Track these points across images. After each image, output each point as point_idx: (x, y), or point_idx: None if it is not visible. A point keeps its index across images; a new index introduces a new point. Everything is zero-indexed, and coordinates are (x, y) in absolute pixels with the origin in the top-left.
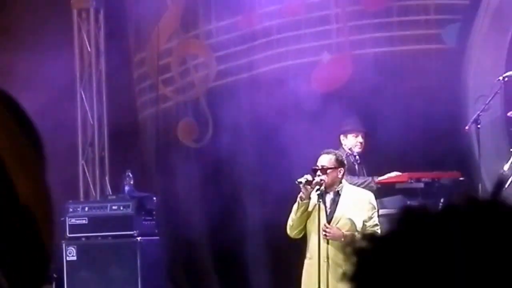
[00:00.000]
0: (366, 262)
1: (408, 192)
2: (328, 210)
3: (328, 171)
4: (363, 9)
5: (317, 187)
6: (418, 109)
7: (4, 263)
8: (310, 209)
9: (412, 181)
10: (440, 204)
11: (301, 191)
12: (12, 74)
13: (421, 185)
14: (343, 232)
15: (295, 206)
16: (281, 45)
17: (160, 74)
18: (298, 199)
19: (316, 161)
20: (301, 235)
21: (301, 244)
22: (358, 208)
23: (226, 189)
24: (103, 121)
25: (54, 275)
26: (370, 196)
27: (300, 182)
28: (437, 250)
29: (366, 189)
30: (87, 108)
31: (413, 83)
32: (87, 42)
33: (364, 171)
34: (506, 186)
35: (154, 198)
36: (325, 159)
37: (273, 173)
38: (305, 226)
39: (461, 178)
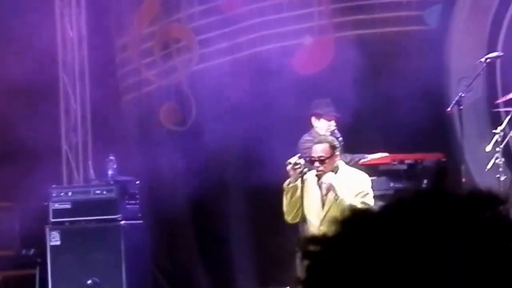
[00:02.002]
0: (315, 265)
1: (391, 174)
2: (324, 192)
3: (326, 161)
4: None
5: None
6: (400, 91)
7: None
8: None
9: (395, 162)
10: (423, 185)
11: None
12: None
13: (404, 166)
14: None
15: (284, 192)
16: (263, 28)
17: (142, 58)
18: (285, 185)
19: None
20: (297, 219)
21: (287, 227)
22: (351, 189)
23: (209, 172)
24: (86, 105)
25: (38, 260)
26: (364, 177)
27: (289, 163)
28: (381, 250)
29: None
30: (70, 93)
31: (395, 65)
32: (69, 27)
33: None
34: (488, 167)
35: (137, 182)
36: (320, 149)
37: (256, 155)
38: (299, 210)
39: (443, 160)
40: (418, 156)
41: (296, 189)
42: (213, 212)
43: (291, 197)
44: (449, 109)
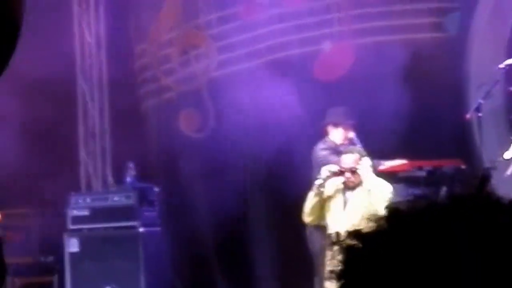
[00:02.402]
0: (354, 259)
1: (410, 181)
2: (347, 199)
3: (357, 171)
4: None
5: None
6: (420, 97)
7: None
8: (329, 193)
9: (414, 169)
10: (442, 192)
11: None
12: (12, 66)
13: (423, 173)
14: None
15: (311, 194)
16: (282, 35)
17: (161, 64)
18: (317, 182)
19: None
20: (316, 222)
21: (304, 234)
22: (373, 198)
23: (228, 179)
24: (105, 112)
25: (57, 267)
26: (388, 188)
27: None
28: (421, 247)
29: None
30: (88, 99)
31: (414, 71)
32: (87, 33)
33: None
34: (508, 173)
35: (156, 189)
36: (351, 159)
37: (275, 162)
38: (320, 214)
39: (462, 166)
40: (437, 162)
41: (323, 193)
42: (233, 218)
43: (319, 199)
44: (468, 115)
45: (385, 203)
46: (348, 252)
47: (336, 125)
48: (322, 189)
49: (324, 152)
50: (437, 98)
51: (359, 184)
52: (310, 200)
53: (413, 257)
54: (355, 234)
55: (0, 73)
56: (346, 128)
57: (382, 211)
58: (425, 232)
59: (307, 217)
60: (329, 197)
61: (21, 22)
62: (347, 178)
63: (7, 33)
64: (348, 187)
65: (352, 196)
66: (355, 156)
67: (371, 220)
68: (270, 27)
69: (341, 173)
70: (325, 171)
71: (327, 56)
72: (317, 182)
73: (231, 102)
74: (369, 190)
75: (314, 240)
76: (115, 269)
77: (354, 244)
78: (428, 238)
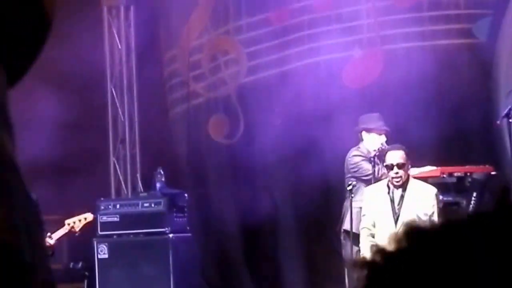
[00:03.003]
0: (376, 277)
1: (440, 187)
2: (396, 207)
3: (404, 167)
4: (393, 4)
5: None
6: (450, 103)
7: None
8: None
9: (444, 175)
10: (473, 198)
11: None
12: (44, 72)
13: (454, 179)
14: None
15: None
16: (312, 41)
17: (190, 70)
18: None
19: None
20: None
21: (333, 239)
22: (423, 203)
23: (257, 185)
24: (134, 118)
25: (86, 273)
26: (434, 191)
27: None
28: (440, 267)
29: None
30: (118, 105)
31: (444, 77)
32: (117, 39)
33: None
34: None
35: (186, 195)
36: (398, 156)
37: (305, 168)
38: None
39: (493, 173)
40: (467, 168)
41: None
42: (262, 225)
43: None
44: (498, 121)
45: (433, 205)
46: (371, 269)
47: (369, 130)
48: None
49: (357, 159)
50: (467, 104)
51: (406, 181)
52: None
53: (433, 277)
54: (378, 250)
55: (29, 66)
56: (379, 134)
57: (433, 215)
58: (445, 252)
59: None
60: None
61: (53, 15)
62: (395, 174)
63: (37, 25)
64: (395, 185)
65: (404, 202)
66: (401, 152)
67: (394, 239)
68: (300, 33)
69: (387, 169)
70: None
71: (357, 62)
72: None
73: (260, 108)
74: (418, 193)
75: (347, 247)
76: (144, 276)
77: (376, 261)
78: (447, 258)
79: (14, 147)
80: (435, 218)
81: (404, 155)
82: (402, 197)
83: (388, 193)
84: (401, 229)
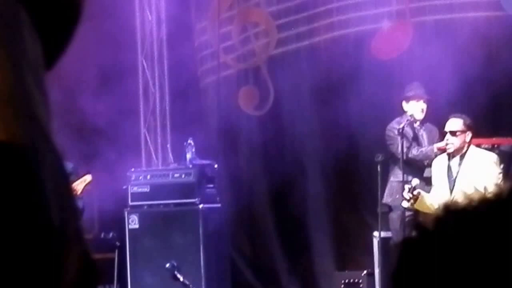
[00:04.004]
0: (410, 253)
1: None
2: (454, 175)
3: (458, 134)
4: None
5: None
6: (479, 75)
7: None
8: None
9: None
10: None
11: None
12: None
13: None
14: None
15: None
16: (341, 13)
17: (221, 42)
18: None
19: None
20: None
21: (362, 210)
22: (481, 170)
23: (287, 157)
24: (165, 89)
25: (117, 243)
26: (493, 158)
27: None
28: (479, 252)
29: (424, 158)
30: (149, 76)
31: (473, 50)
32: (148, 11)
33: (425, 138)
34: None
35: (216, 166)
36: (454, 123)
37: (334, 140)
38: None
39: None
40: (494, 140)
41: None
42: (292, 195)
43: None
44: None
45: (494, 173)
46: (406, 245)
47: (407, 99)
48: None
49: (391, 134)
50: (496, 76)
51: (460, 150)
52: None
53: (466, 259)
54: (416, 227)
55: (63, 50)
56: (417, 101)
57: (491, 183)
58: (481, 234)
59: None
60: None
61: (83, 7)
62: (446, 140)
63: (69, 17)
64: (449, 154)
65: (460, 170)
66: (458, 120)
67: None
68: (329, 6)
69: (442, 136)
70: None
71: (386, 34)
72: (377, 159)
73: (290, 80)
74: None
75: (390, 222)
76: (174, 246)
77: (413, 238)
78: (483, 240)
79: (49, 117)
80: (496, 185)
81: (462, 124)
82: (459, 165)
83: (448, 160)
84: (440, 209)
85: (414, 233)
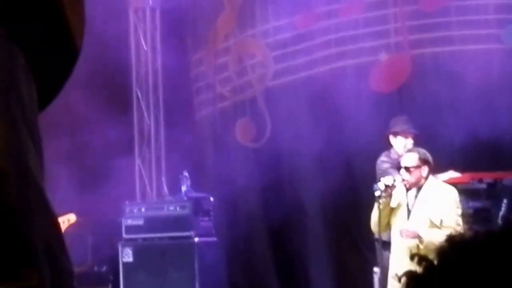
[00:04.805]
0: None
1: (470, 193)
2: (410, 205)
3: (411, 169)
4: (421, 8)
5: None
6: (479, 109)
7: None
8: (393, 205)
9: (474, 181)
10: (503, 205)
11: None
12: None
13: (484, 185)
14: (418, 234)
15: (376, 205)
16: (338, 45)
17: (217, 73)
18: (377, 196)
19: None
20: (386, 232)
21: (364, 246)
22: (438, 204)
23: (284, 190)
24: (160, 120)
25: (111, 277)
26: (452, 192)
27: (381, 189)
28: (488, 277)
29: None
30: (143, 107)
31: (473, 83)
32: (143, 41)
33: None
34: None
35: (212, 199)
36: (408, 158)
37: (332, 173)
38: (388, 223)
39: None
40: (497, 174)
41: (388, 203)
42: (289, 230)
43: (383, 210)
44: None
45: (452, 208)
46: (415, 281)
47: (395, 134)
48: (380, 201)
49: (384, 166)
50: (497, 110)
51: (415, 184)
52: (373, 213)
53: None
54: (421, 262)
55: (57, 93)
56: (405, 137)
57: (448, 217)
58: (489, 263)
59: (373, 227)
60: (393, 210)
61: (80, 50)
62: (402, 176)
63: (64, 61)
64: (406, 188)
65: (416, 202)
66: (413, 155)
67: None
68: (327, 37)
69: (398, 171)
70: (381, 183)
71: (384, 67)
72: (376, 193)
73: (287, 111)
74: (433, 194)
75: (381, 256)
76: (169, 280)
77: (419, 273)
78: (492, 269)
79: (41, 164)
80: (456, 221)
81: (417, 159)
82: (415, 197)
83: (406, 192)
84: (445, 242)
85: (418, 266)
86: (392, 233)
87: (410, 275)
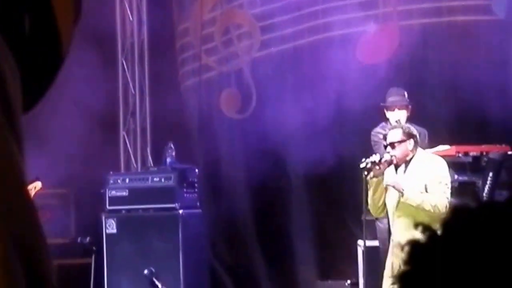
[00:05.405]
0: (424, 258)
1: (456, 166)
2: (401, 177)
3: (396, 144)
4: None
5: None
6: (466, 81)
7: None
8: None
9: (459, 155)
10: (489, 178)
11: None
12: None
13: (469, 159)
14: (402, 187)
15: (368, 186)
16: (326, 15)
17: (203, 44)
18: (369, 178)
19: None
20: (382, 214)
21: (346, 219)
22: (426, 174)
23: (270, 162)
24: (145, 91)
25: (94, 248)
26: (440, 163)
27: (367, 164)
28: (490, 246)
29: None
30: (129, 78)
31: (461, 54)
32: (129, 12)
33: None
34: None
35: (196, 170)
36: (393, 134)
37: (318, 145)
38: (383, 205)
39: (510, 152)
40: (483, 148)
41: (380, 182)
42: (274, 201)
43: (375, 191)
44: None
45: (438, 177)
46: (418, 250)
47: (389, 106)
48: (374, 179)
49: (377, 138)
50: (484, 82)
51: (403, 159)
52: (369, 192)
53: (481, 258)
54: (424, 231)
55: (41, 97)
56: (399, 109)
57: (433, 185)
58: (492, 231)
59: (371, 210)
60: (386, 189)
61: (66, 55)
62: (388, 153)
63: (49, 65)
64: (394, 165)
65: (405, 176)
66: (397, 130)
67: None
68: (314, 8)
69: (385, 148)
70: (368, 160)
71: (372, 38)
72: (361, 165)
73: (273, 82)
74: (422, 165)
75: (377, 231)
76: (153, 251)
77: (422, 242)
78: (495, 237)
79: (23, 163)
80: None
81: (401, 133)
82: (404, 173)
83: (396, 170)
84: (449, 213)
85: (422, 235)
86: (388, 211)
87: (412, 244)
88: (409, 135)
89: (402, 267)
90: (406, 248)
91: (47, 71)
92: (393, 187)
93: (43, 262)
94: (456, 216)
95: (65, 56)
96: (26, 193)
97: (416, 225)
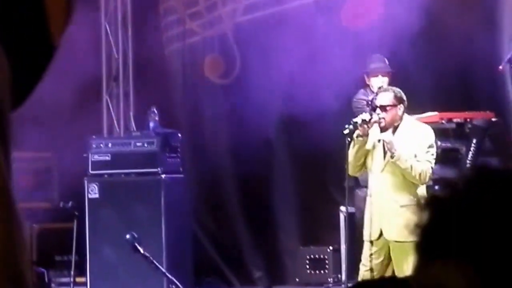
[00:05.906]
0: (442, 211)
1: (439, 133)
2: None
3: (388, 108)
4: None
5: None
6: (451, 48)
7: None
8: (369, 147)
9: (443, 121)
10: (472, 145)
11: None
12: None
13: (453, 125)
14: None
15: (352, 143)
16: None
17: (187, 8)
18: (355, 136)
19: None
20: (360, 173)
21: (331, 186)
22: (413, 141)
23: (252, 126)
24: (128, 55)
25: (76, 213)
26: (427, 131)
27: (356, 123)
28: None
29: None
30: (112, 42)
31: (446, 21)
32: None
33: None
34: None
35: (179, 135)
36: (384, 97)
37: (301, 109)
38: (364, 164)
39: (494, 119)
40: (467, 114)
41: (365, 142)
42: (256, 168)
43: (358, 150)
44: (500, 67)
45: (425, 145)
46: (437, 204)
47: (370, 73)
48: (360, 138)
49: (360, 104)
50: (469, 49)
51: (391, 124)
52: (349, 152)
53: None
54: (445, 186)
55: (32, 89)
56: (382, 75)
57: (421, 153)
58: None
59: (350, 168)
60: (369, 151)
61: (58, 46)
62: (377, 115)
63: (39, 57)
64: (381, 128)
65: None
66: (389, 94)
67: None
68: None
69: (373, 110)
70: (359, 118)
71: (356, 2)
72: (349, 130)
73: (257, 48)
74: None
75: (355, 198)
76: (135, 216)
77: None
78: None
79: (8, 161)
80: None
81: (392, 97)
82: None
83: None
84: (470, 170)
85: (443, 190)
86: (371, 176)
87: (431, 197)
88: (400, 100)
89: (419, 222)
90: (424, 202)
91: (38, 62)
92: (388, 144)
93: (24, 272)
94: (478, 173)
95: (56, 46)
96: (10, 199)
97: (435, 181)
